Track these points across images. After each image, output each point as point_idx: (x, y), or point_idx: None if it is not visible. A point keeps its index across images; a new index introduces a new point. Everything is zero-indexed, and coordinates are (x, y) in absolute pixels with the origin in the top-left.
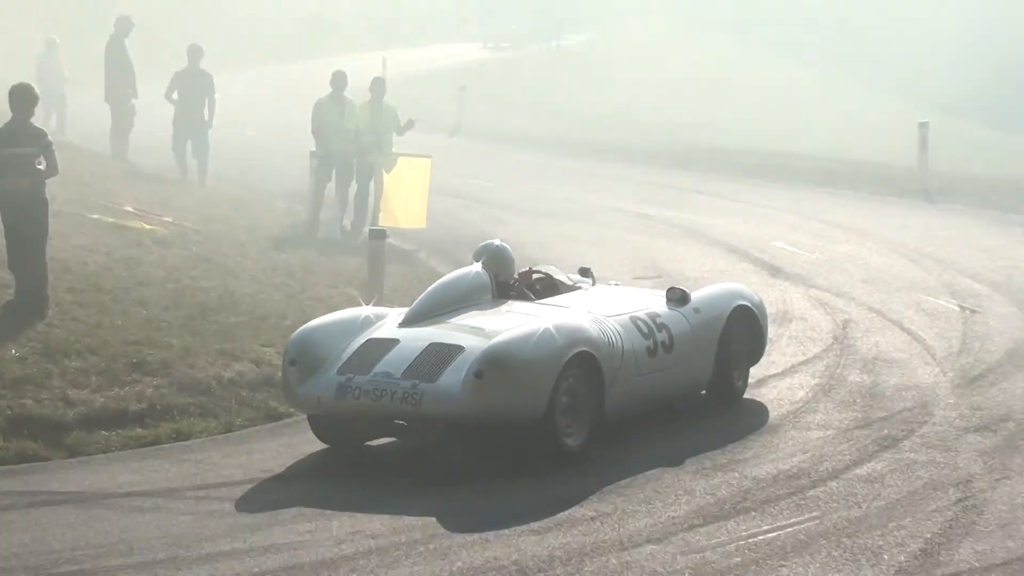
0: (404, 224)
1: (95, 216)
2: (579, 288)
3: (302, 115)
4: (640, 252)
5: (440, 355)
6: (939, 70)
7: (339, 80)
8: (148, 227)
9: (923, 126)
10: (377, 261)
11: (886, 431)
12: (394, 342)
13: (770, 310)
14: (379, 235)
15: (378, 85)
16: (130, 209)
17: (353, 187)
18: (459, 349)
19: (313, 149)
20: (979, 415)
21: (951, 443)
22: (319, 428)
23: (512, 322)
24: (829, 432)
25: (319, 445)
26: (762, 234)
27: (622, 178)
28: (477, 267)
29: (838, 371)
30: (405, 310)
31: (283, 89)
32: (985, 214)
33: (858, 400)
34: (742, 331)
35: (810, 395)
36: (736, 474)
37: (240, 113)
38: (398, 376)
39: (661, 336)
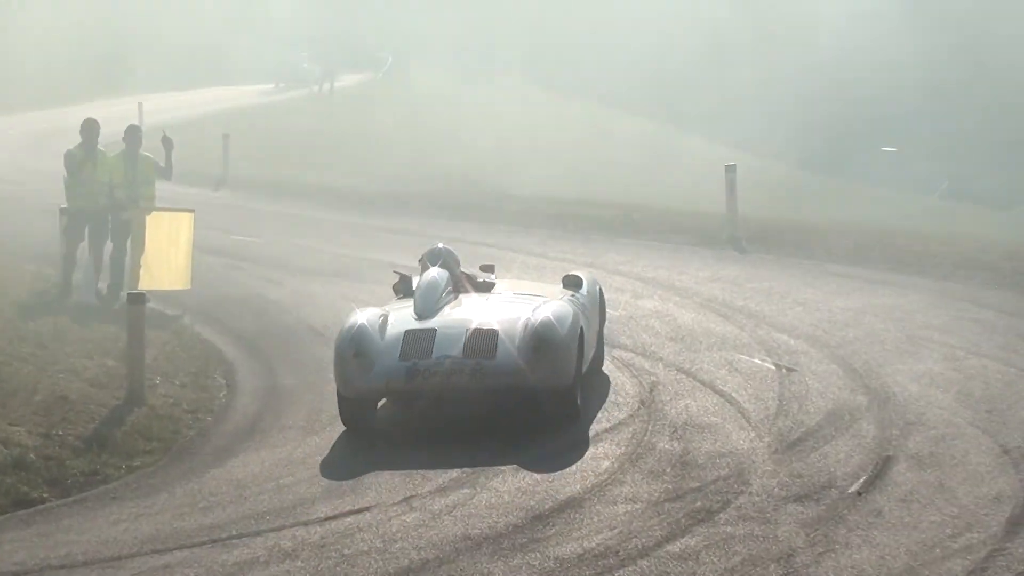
0: (166, 286)
1: None
2: (493, 282)
3: (54, 165)
4: None
5: (485, 337)
6: (742, 111)
7: (89, 128)
8: None
9: (730, 169)
10: (137, 328)
11: (700, 503)
12: (433, 331)
13: None
14: (138, 299)
15: (133, 133)
16: None
17: (108, 246)
18: (495, 332)
19: (64, 205)
20: (799, 483)
21: (770, 514)
22: (349, 413)
23: (510, 309)
24: (638, 506)
25: (80, 533)
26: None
27: (402, 231)
28: (438, 269)
29: (646, 438)
30: (403, 309)
31: (42, 136)
32: (800, 264)
33: (668, 470)
34: (601, 308)
35: (616, 465)
36: (537, 554)
37: None
38: (461, 356)
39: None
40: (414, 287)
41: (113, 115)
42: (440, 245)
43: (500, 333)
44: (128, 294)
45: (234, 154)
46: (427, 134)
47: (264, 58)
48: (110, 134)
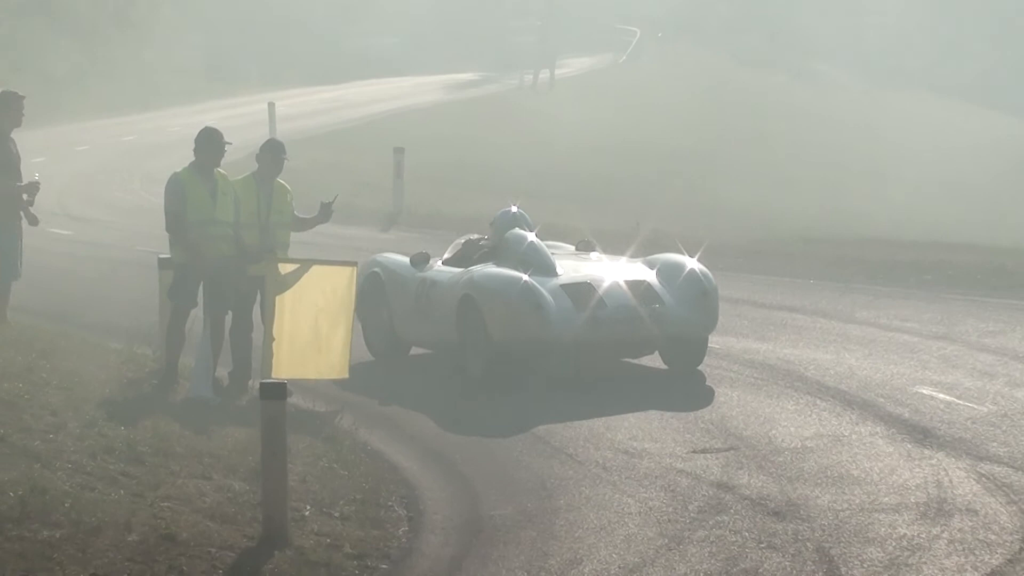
0: (315, 373)
1: None
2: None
3: (153, 196)
4: (697, 406)
5: (642, 289)
6: None
7: (208, 143)
8: None
9: None
10: (276, 435)
11: None
12: (587, 284)
13: (917, 496)
14: (277, 392)
15: (273, 152)
16: None
17: (231, 315)
18: (649, 283)
19: (166, 255)
20: None
21: None
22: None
23: (616, 266)
24: None
25: None
26: (897, 375)
27: None
28: (524, 231)
29: None
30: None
31: (141, 151)
32: None
33: None
34: None
35: None
36: None
37: (64, 191)
38: (635, 305)
39: None
40: (481, 250)
41: (236, 119)
42: (513, 208)
43: (648, 283)
44: (261, 384)
45: (410, 177)
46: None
47: (459, 36)
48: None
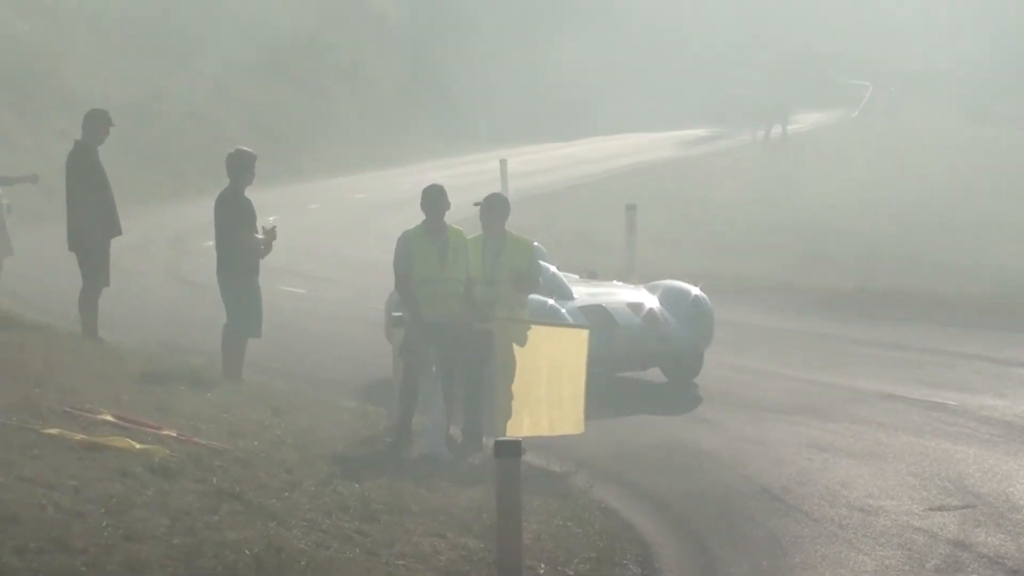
0: (550, 430)
1: (52, 432)
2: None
3: (383, 252)
4: (934, 463)
5: (647, 310)
6: None
7: (434, 200)
8: (139, 447)
9: None
10: (510, 492)
11: None
12: (600, 306)
13: None
14: (511, 450)
15: (496, 207)
16: (109, 418)
17: (464, 373)
18: (644, 305)
19: (398, 312)
20: None
21: None
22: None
23: (620, 291)
24: None
25: None
26: None
27: (891, 346)
28: (552, 266)
29: None
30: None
31: (369, 210)
32: None
33: None
34: None
35: None
36: None
37: (296, 249)
38: (641, 324)
39: None
40: None
41: (468, 176)
42: (535, 244)
43: (648, 306)
44: (496, 442)
45: (642, 235)
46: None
47: (694, 91)
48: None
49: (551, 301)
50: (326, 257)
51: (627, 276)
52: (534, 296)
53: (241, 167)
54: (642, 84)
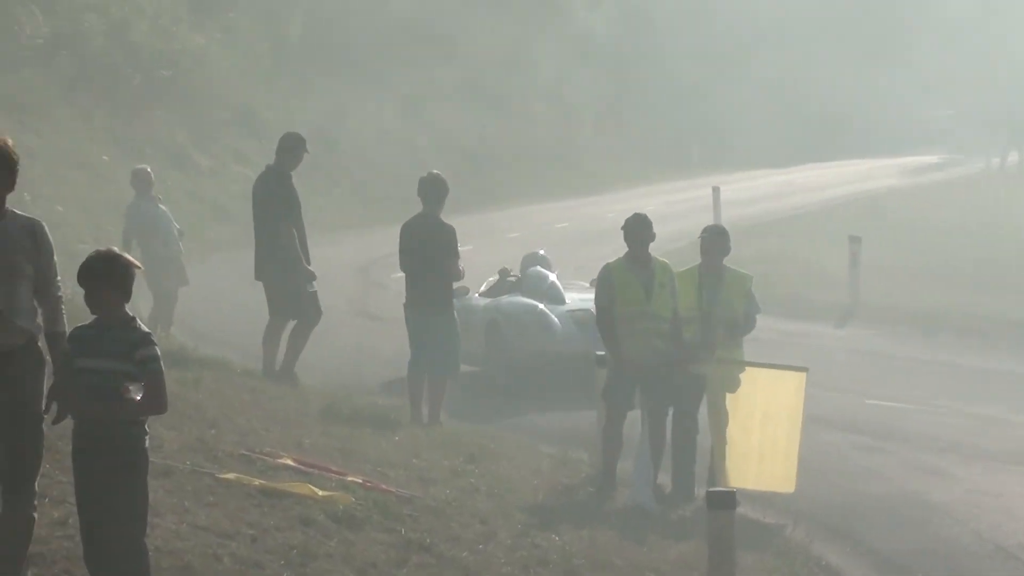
0: (756, 484)
1: (229, 477)
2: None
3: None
4: None
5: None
6: None
7: (638, 230)
8: (322, 493)
9: None
10: (724, 547)
11: None
12: (587, 311)
13: None
14: (724, 502)
15: (718, 240)
16: (290, 462)
17: (673, 417)
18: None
19: (600, 352)
20: None
21: None
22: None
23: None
24: None
25: None
26: None
27: None
28: (545, 271)
29: None
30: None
31: (570, 242)
32: None
33: None
34: None
35: None
36: None
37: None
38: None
39: None
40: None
41: (677, 205)
42: (540, 252)
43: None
44: (708, 494)
45: (867, 268)
46: None
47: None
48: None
49: (541, 305)
50: None
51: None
52: (522, 299)
53: (435, 194)
54: (881, 109)
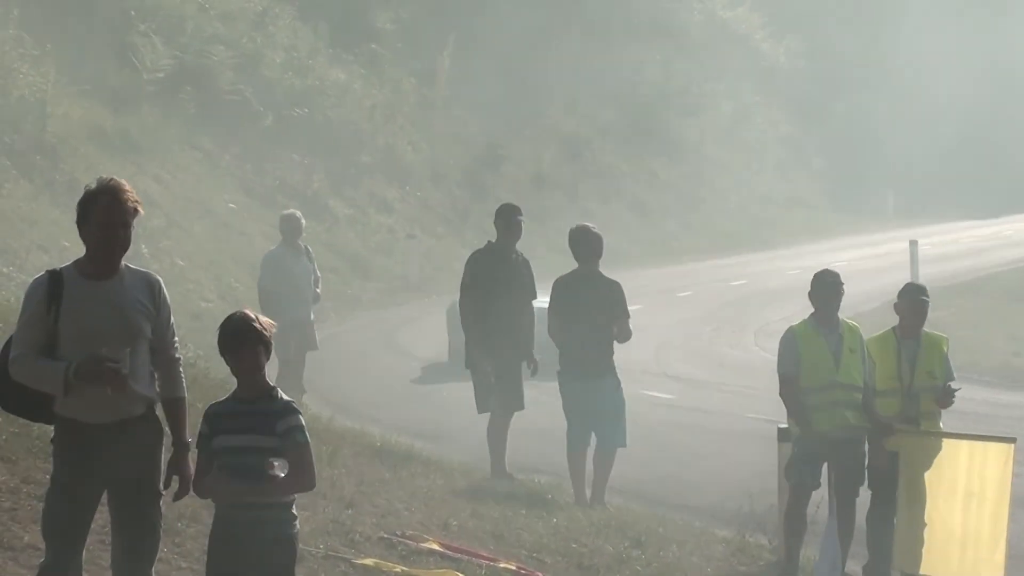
0: (962, 573)
1: (368, 562)
2: None
3: (770, 353)
4: None
5: None
6: None
7: (827, 288)
8: None
9: None
10: None
11: None
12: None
13: None
14: None
15: (917, 301)
16: (435, 547)
17: (869, 497)
18: None
19: (784, 425)
20: None
21: None
22: None
23: None
24: None
25: None
26: None
27: None
28: None
29: None
30: None
31: (748, 300)
32: None
33: None
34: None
35: None
36: None
37: (664, 345)
38: None
39: None
40: None
41: (869, 260)
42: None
43: None
44: None
45: None
46: None
47: None
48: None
49: None
50: (698, 355)
51: None
52: None
53: (588, 248)
54: None
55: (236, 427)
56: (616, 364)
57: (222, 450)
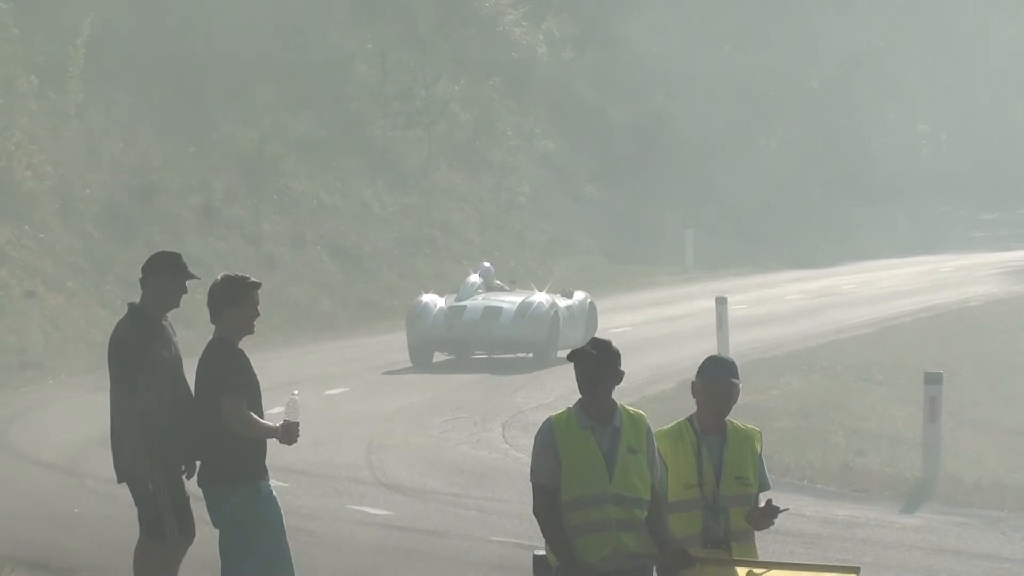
0: None
1: None
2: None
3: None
4: None
5: (494, 310)
6: None
7: (588, 369)
8: None
9: None
10: None
11: None
12: (462, 306)
13: None
14: None
15: (723, 380)
16: None
17: None
18: (500, 307)
19: (540, 551)
20: None
21: None
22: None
23: (510, 298)
24: None
25: None
26: None
27: None
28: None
29: None
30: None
31: None
32: None
33: None
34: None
35: None
36: None
37: None
38: (479, 320)
39: None
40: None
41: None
42: (486, 264)
43: (506, 308)
44: None
45: (950, 421)
46: None
47: None
48: None
49: (440, 301)
50: (426, 458)
51: None
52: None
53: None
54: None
55: None
56: (308, 468)
57: None
